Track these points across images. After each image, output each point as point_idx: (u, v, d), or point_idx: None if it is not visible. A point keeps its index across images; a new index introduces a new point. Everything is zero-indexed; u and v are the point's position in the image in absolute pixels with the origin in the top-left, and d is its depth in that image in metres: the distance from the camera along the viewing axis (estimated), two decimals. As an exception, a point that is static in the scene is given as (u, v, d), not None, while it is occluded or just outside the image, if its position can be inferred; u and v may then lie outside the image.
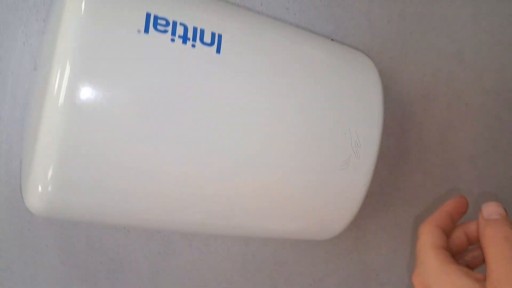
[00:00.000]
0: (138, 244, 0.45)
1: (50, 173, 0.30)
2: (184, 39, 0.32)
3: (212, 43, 0.33)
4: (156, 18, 0.31)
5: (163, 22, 0.31)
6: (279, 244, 0.53)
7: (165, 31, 0.31)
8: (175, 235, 0.47)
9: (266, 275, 0.52)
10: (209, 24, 0.33)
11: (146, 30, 0.30)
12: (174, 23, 0.31)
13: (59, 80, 0.29)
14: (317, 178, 0.39)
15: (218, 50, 0.33)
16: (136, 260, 0.45)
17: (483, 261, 0.31)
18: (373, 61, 0.52)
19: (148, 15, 0.31)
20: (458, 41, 0.60)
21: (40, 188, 0.30)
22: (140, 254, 0.45)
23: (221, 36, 0.33)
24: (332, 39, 0.51)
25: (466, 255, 0.36)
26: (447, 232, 0.34)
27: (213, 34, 0.33)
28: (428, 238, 0.32)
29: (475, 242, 0.35)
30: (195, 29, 0.32)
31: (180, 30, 0.32)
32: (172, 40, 0.31)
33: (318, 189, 0.39)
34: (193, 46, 0.32)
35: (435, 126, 0.60)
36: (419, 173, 0.59)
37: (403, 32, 0.56)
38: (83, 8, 0.29)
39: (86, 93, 0.29)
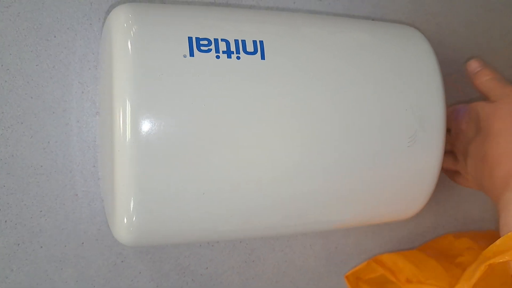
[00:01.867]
0: (223, 256, 0.47)
1: (132, 204, 0.32)
2: (228, 53, 0.33)
3: (255, 51, 0.33)
4: (198, 40, 0.32)
5: (205, 42, 0.32)
6: (361, 234, 0.52)
7: (209, 50, 0.32)
8: (257, 242, 0.48)
9: (353, 265, 0.52)
10: (249, 33, 0.34)
11: (191, 53, 0.32)
12: (216, 41, 0.32)
13: (123, 118, 0.31)
14: (387, 160, 0.38)
15: (262, 57, 0.33)
16: (224, 272, 0.47)
17: None
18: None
19: (190, 39, 0.32)
20: (506, -10, 0.57)
21: (126, 220, 0.32)
22: (227, 266, 0.47)
23: (262, 42, 0.34)
24: (372, 19, 0.50)
25: None
26: None
27: (254, 42, 0.33)
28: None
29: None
30: (236, 42, 0.33)
31: (222, 46, 0.33)
32: (217, 57, 0.32)
33: (390, 170, 0.39)
34: (238, 58, 0.33)
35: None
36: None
37: (445, -6, 0.54)
38: (130, 47, 0.31)
39: (149, 124, 0.31)
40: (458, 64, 0.55)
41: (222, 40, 0.33)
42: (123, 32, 0.32)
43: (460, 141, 0.45)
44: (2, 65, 0.38)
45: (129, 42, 0.31)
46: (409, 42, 0.41)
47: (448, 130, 0.47)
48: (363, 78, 0.37)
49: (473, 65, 0.45)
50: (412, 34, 0.42)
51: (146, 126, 0.31)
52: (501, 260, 0.35)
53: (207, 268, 0.46)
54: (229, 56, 0.33)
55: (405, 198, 0.41)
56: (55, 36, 0.39)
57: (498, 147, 0.39)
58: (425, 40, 0.41)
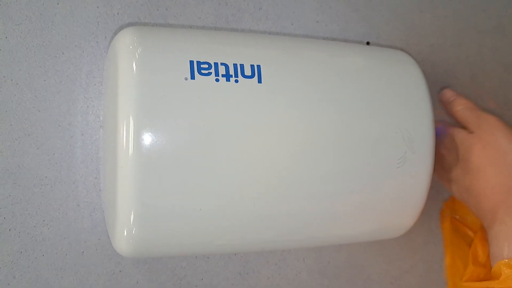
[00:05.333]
0: (219, 268, 0.48)
1: (132, 217, 0.33)
2: (227, 77, 0.34)
3: (253, 75, 0.35)
4: (199, 63, 0.34)
5: (206, 66, 0.34)
6: (353, 248, 0.54)
7: (209, 73, 0.34)
8: (251, 254, 0.49)
9: (345, 280, 0.53)
10: (247, 58, 0.36)
11: (192, 76, 0.34)
12: (216, 64, 0.34)
13: (126, 133, 0.33)
14: (376, 180, 0.40)
15: (259, 80, 0.35)
16: (219, 283, 0.48)
17: None
18: (413, 52, 0.53)
19: (191, 62, 0.34)
20: (496, 14, 0.59)
21: (126, 232, 0.34)
22: (222, 277, 0.48)
23: (260, 66, 0.35)
24: (367, 42, 0.52)
25: None
26: None
27: (252, 67, 0.35)
28: None
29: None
30: (235, 66, 0.35)
31: (222, 70, 0.34)
32: (217, 80, 0.34)
33: (380, 190, 0.40)
34: (236, 81, 0.35)
35: (491, 104, 0.59)
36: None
37: (437, 18, 0.56)
38: (135, 68, 0.33)
39: (151, 141, 0.33)
40: (451, 85, 0.57)
41: (221, 64, 0.35)
42: (129, 54, 0.33)
43: (441, 165, 0.47)
44: (12, 80, 0.40)
45: (134, 63, 0.33)
46: (400, 66, 0.42)
47: None
48: (356, 101, 0.39)
49: (447, 95, 0.46)
50: (403, 58, 0.43)
51: (148, 142, 0.33)
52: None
53: (202, 279, 0.47)
54: (227, 80, 0.34)
55: (395, 217, 0.42)
56: (63, 53, 0.41)
57: (479, 182, 0.41)
58: (416, 65, 0.43)
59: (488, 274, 0.41)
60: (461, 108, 0.45)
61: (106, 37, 0.42)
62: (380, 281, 0.55)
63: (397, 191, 0.41)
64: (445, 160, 0.46)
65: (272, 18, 0.48)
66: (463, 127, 0.45)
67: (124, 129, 0.33)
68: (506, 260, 0.37)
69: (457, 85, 0.58)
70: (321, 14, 0.50)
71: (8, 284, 0.41)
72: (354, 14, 0.51)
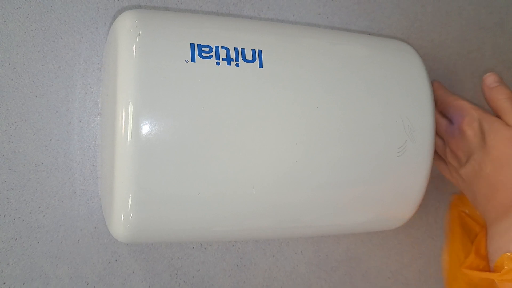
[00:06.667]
0: (216, 259, 0.47)
1: (129, 202, 0.33)
2: (228, 60, 0.34)
3: (254, 60, 0.35)
4: (199, 46, 0.34)
5: (207, 49, 0.34)
6: (351, 241, 0.53)
7: (210, 57, 0.34)
8: (249, 246, 0.49)
9: (343, 273, 0.53)
10: (248, 42, 0.35)
11: (193, 59, 0.33)
12: (217, 48, 0.34)
13: (125, 119, 0.32)
14: (376, 168, 0.40)
15: (260, 65, 0.35)
16: (216, 274, 0.48)
17: None
18: (414, 46, 0.53)
19: (192, 45, 0.33)
20: (498, 11, 0.59)
21: (123, 217, 0.33)
22: (219, 269, 0.48)
23: (261, 51, 0.35)
24: (369, 34, 0.52)
25: None
26: None
27: (253, 51, 0.35)
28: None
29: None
30: (236, 50, 0.34)
31: (223, 53, 0.34)
32: (218, 63, 0.34)
33: (379, 179, 0.40)
34: (237, 65, 0.34)
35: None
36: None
37: (439, 13, 0.56)
38: (134, 51, 0.32)
39: (150, 125, 0.32)
40: (451, 80, 0.57)
41: (222, 47, 0.34)
42: (128, 37, 0.33)
43: (461, 144, 0.44)
44: (9, 64, 0.39)
45: (134, 46, 0.33)
46: (401, 56, 0.42)
47: (446, 117, 0.47)
48: (356, 89, 0.39)
49: (490, 79, 0.44)
50: (404, 48, 0.43)
51: (147, 127, 0.32)
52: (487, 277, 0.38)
53: (199, 270, 0.47)
54: (228, 63, 0.34)
55: (394, 207, 0.42)
56: (62, 38, 0.41)
57: (504, 173, 0.40)
58: (417, 55, 0.43)
59: (487, 267, 0.41)
60: (504, 98, 0.42)
61: (105, 23, 0.42)
62: (378, 275, 0.55)
63: (396, 180, 0.40)
64: (466, 140, 0.43)
65: (274, 8, 0.48)
66: (498, 115, 0.43)
67: (123, 114, 0.32)
68: (509, 254, 0.36)
69: (457, 81, 0.57)
70: (323, 6, 0.50)
71: (2, 271, 0.40)
72: (356, 7, 0.51)
